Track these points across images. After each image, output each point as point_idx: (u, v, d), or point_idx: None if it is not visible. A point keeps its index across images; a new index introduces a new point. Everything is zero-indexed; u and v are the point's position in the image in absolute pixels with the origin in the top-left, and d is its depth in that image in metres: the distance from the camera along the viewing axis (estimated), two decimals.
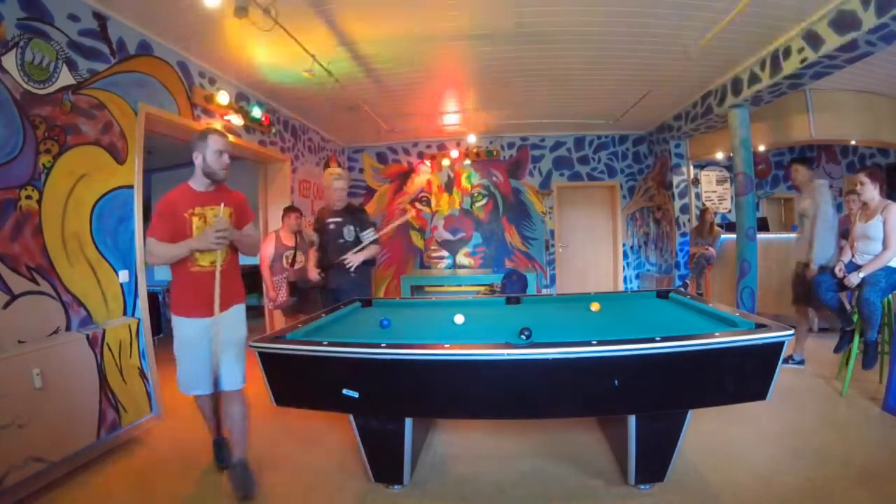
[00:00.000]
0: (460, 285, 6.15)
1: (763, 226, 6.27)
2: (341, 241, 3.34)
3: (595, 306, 2.68)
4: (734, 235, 4.84)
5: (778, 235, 5.48)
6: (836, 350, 3.35)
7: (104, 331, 2.69)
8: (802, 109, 5.07)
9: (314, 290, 3.91)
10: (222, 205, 2.20)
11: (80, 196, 2.73)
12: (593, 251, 7.50)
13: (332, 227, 3.38)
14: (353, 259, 3.27)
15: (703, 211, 5.87)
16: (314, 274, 3.53)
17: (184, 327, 2.25)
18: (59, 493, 2.23)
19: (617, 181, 7.22)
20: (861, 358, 3.09)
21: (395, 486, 2.19)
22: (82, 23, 2.74)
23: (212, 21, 3.13)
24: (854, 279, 3.05)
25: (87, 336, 2.57)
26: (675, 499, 2.02)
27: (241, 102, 4.34)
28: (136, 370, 2.94)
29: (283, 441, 2.73)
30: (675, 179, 6.30)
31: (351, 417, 2.10)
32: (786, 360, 3.58)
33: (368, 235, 3.37)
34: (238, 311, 2.37)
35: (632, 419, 2.00)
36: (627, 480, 2.12)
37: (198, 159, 2.23)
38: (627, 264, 7.35)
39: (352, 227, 3.37)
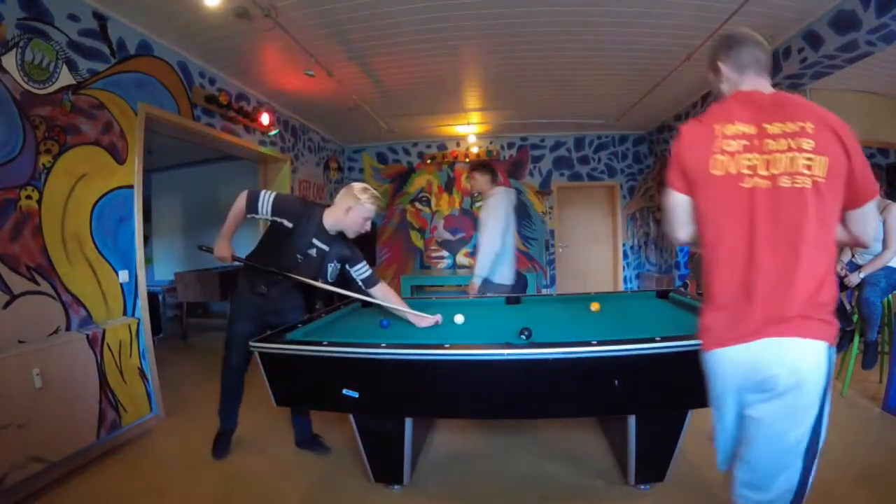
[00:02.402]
0: (460, 285, 6.15)
1: None
2: (320, 279, 2.52)
3: (595, 306, 2.68)
4: None
5: None
6: (836, 350, 3.35)
7: (104, 331, 2.69)
8: None
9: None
10: None
11: (80, 196, 2.73)
12: (593, 251, 7.49)
13: (313, 252, 2.46)
14: (419, 321, 2.47)
15: None
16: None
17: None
18: (59, 493, 2.23)
19: (617, 181, 7.22)
20: (861, 358, 3.09)
21: (395, 486, 2.19)
22: (82, 23, 2.74)
23: (212, 21, 3.13)
24: (854, 279, 3.05)
25: (87, 336, 2.57)
26: (675, 499, 2.03)
27: (241, 102, 4.34)
28: (136, 370, 2.94)
29: (283, 441, 2.73)
30: None
31: (351, 417, 2.10)
32: None
33: (363, 271, 2.62)
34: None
35: (632, 419, 2.00)
36: (627, 480, 2.12)
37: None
38: (627, 264, 7.34)
39: (338, 266, 2.56)
